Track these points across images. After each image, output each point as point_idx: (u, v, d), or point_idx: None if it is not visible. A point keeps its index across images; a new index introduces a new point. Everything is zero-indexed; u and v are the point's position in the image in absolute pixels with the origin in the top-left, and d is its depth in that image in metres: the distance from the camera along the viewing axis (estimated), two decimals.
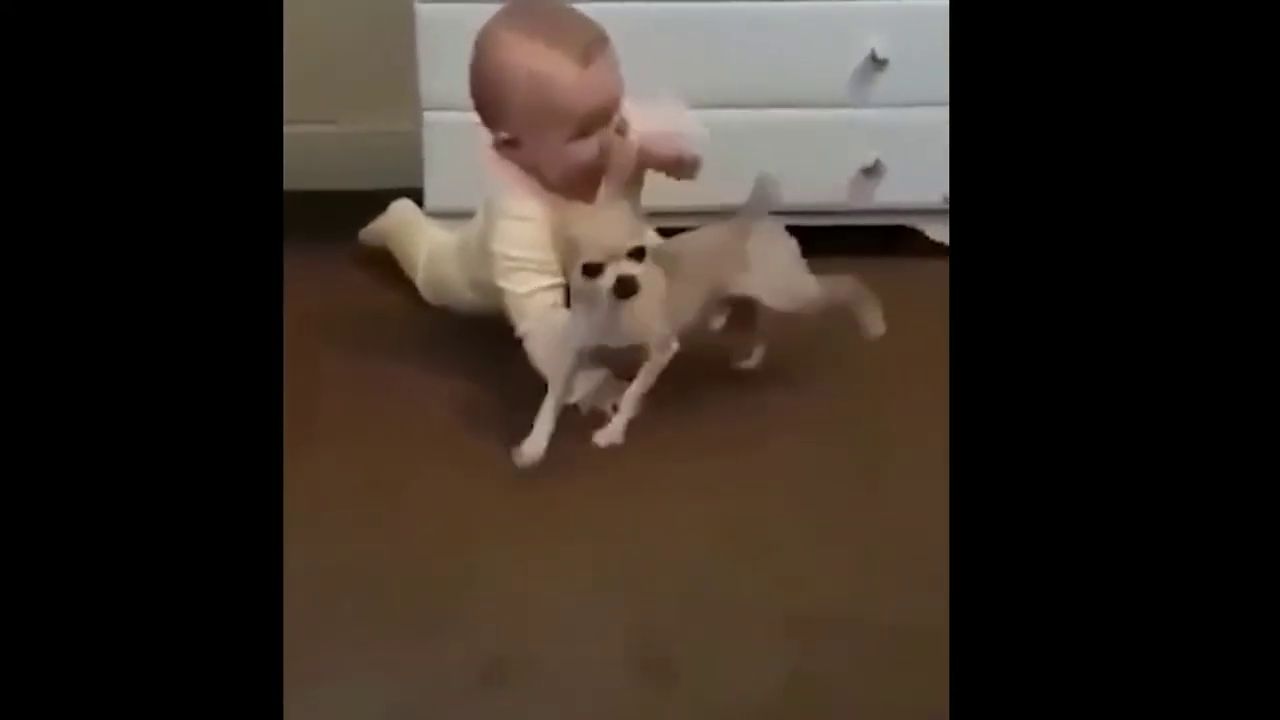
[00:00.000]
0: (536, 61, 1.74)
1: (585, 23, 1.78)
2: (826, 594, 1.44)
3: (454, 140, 1.94)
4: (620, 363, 1.73)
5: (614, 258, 1.61)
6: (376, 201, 2.35)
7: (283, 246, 0.99)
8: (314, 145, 2.59)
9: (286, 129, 2.53)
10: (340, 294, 2.18)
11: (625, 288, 1.61)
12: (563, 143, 1.77)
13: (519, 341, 1.85)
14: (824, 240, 2.26)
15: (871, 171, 2.23)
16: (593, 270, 1.62)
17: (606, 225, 1.64)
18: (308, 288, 2.17)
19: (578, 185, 1.80)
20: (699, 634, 1.38)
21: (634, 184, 1.87)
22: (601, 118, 1.77)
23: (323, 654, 1.35)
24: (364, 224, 2.35)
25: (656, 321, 1.70)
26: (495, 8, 1.86)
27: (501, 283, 1.81)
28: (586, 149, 1.78)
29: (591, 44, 1.75)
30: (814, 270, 1.88)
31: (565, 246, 1.64)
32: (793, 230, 2.28)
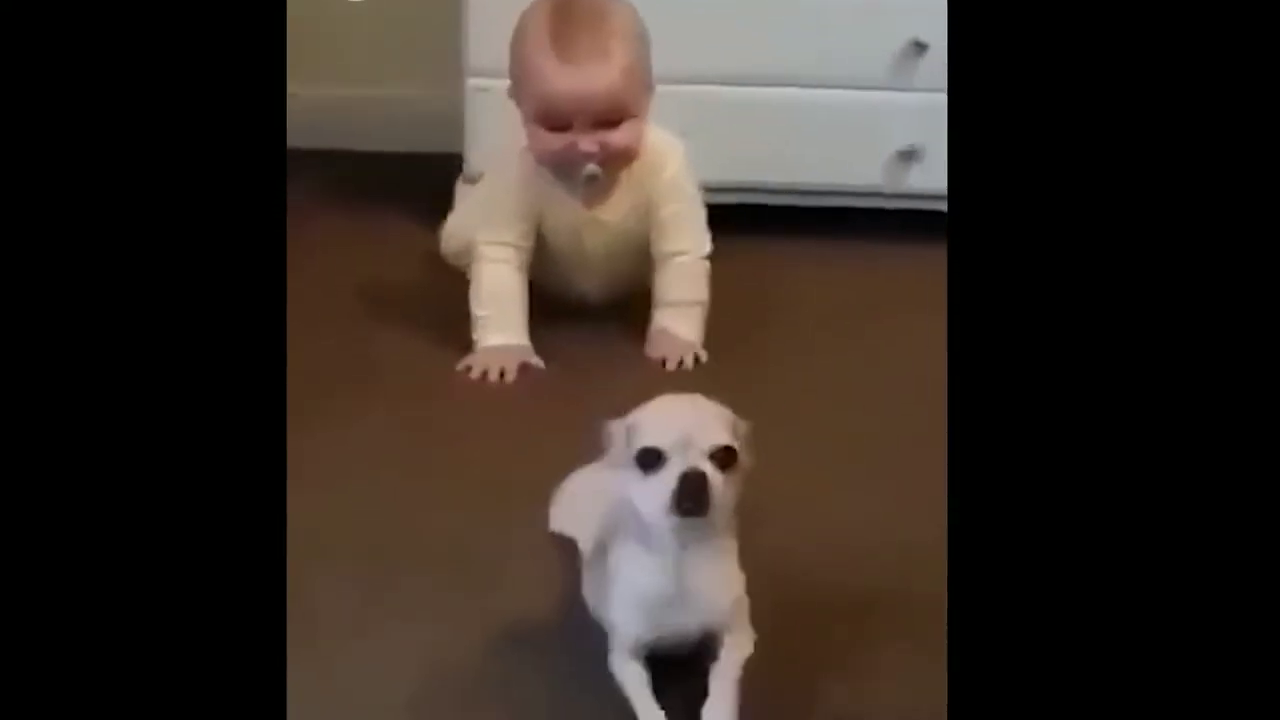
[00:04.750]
0: (533, 42, 1.82)
1: (601, 22, 1.82)
2: (885, 568, 1.43)
3: (497, 107, 1.96)
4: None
5: (686, 449, 1.15)
6: (418, 164, 2.38)
7: (285, 212, 0.99)
8: (360, 108, 2.63)
9: (334, 90, 2.61)
10: (377, 254, 2.22)
11: (693, 489, 1.14)
12: (532, 123, 1.85)
13: (574, 307, 1.98)
14: (858, 223, 2.29)
15: (908, 155, 2.24)
16: (650, 459, 1.16)
17: (683, 410, 1.20)
18: (356, 248, 2.24)
19: (559, 177, 1.89)
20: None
21: None
22: (573, 114, 1.82)
23: (365, 607, 1.37)
24: (407, 186, 2.39)
25: (733, 588, 1.24)
26: None
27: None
28: (554, 139, 1.84)
29: (590, 45, 1.80)
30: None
31: (618, 435, 1.20)
32: (826, 212, 2.32)
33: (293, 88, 2.50)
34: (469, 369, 1.85)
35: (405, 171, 2.48)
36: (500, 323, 1.89)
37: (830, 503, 1.55)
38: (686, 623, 1.21)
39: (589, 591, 1.30)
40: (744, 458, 1.18)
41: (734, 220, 2.04)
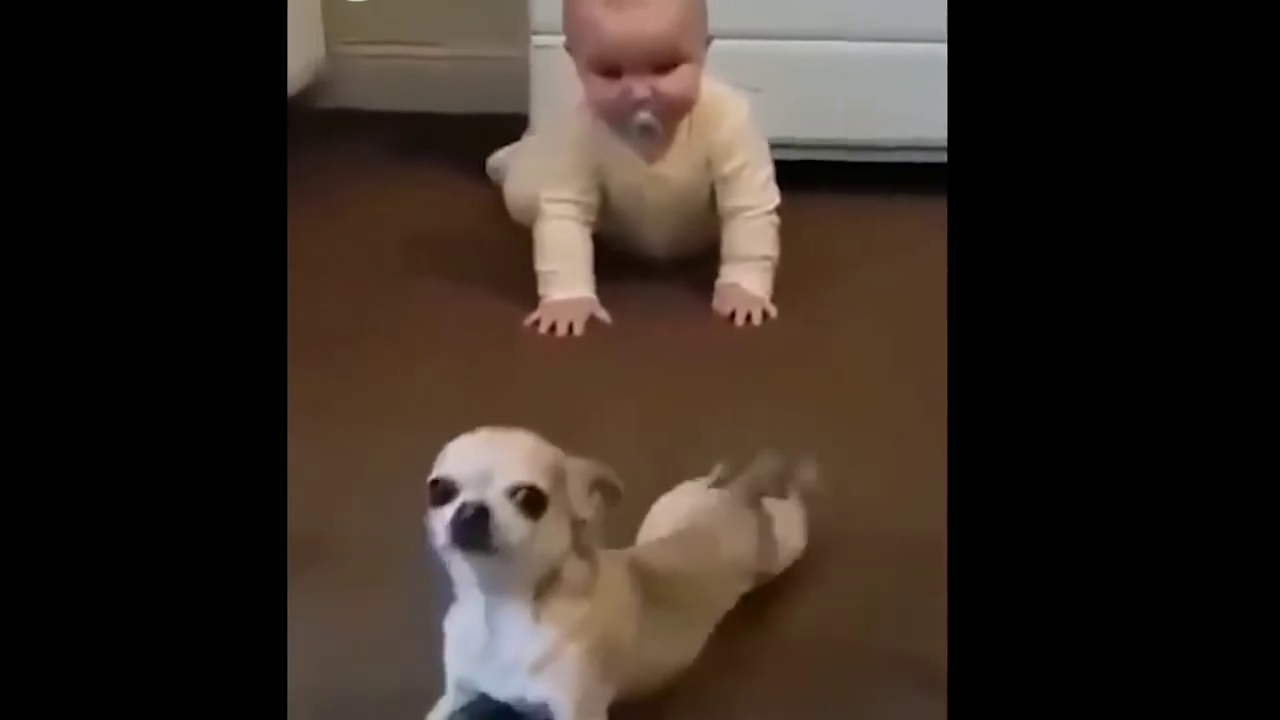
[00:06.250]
0: None
1: None
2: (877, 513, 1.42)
3: (561, 64, 1.95)
4: None
5: (481, 484, 1.03)
6: (481, 125, 2.38)
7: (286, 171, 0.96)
8: (421, 68, 2.64)
9: (395, 49, 2.61)
10: (441, 213, 2.22)
11: (467, 531, 1.02)
12: (587, 73, 1.85)
13: (640, 264, 1.98)
14: (920, 176, 2.25)
15: None
16: (442, 491, 1.04)
17: (491, 444, 1.07)
18: (406, 206, 2.24)
19: (616, 130, 1.88)
20: None
21: None
22: (625, 59, 1.82)
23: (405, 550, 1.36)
24: (475, 146, 2.39)
25: (559, 660, 1.07)
26: None
27: None
28: (608, 87, 1.84)
29: None
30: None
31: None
32: (888, 167, 2.29)
33: (360, 50, 2.57)
34: (536, 323, 1.84)
35: (474, 131, 2.47)
36: (566, 277, 1.89)
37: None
38: (504, 688, 1.09)
39: None
40: (576, 505, 1.07)
41: (805, 177, 2.02)
